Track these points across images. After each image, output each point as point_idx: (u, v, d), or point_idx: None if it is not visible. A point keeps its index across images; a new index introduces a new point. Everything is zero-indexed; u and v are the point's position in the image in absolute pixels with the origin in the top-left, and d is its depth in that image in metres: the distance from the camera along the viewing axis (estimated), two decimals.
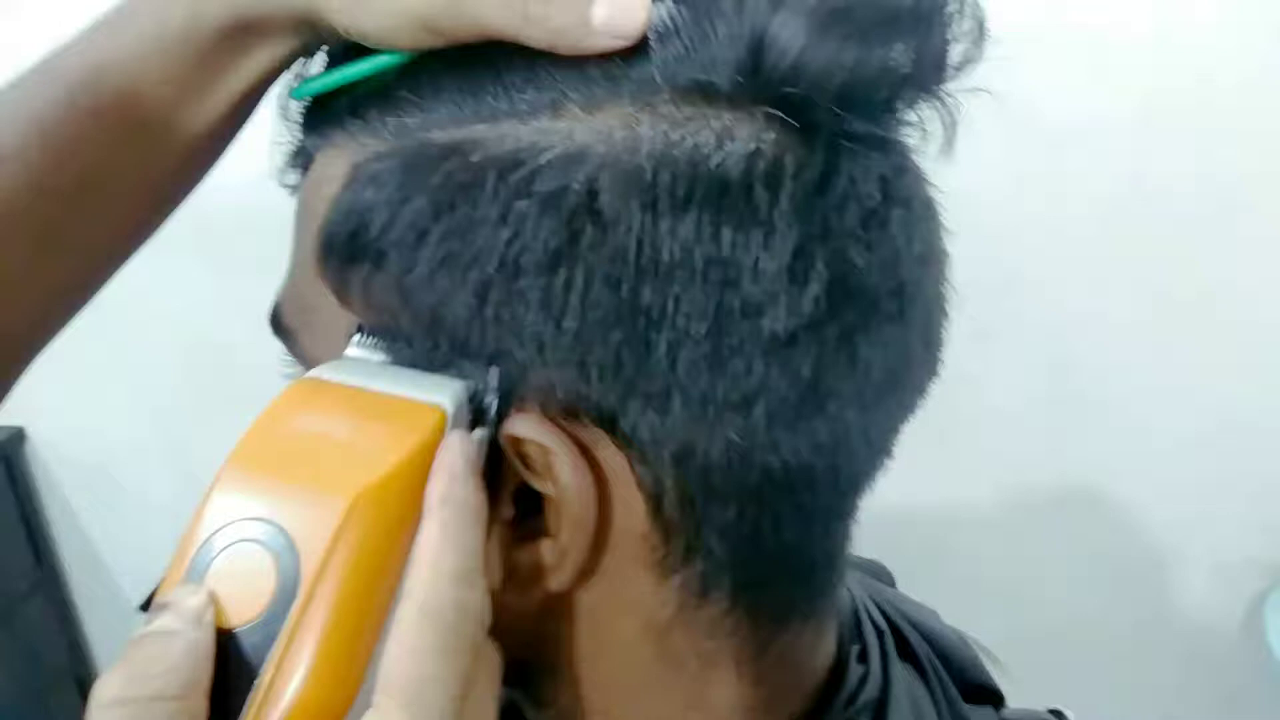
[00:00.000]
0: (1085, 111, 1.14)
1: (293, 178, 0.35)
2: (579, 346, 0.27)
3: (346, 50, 0.32)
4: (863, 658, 0.40)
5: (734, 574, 0.32)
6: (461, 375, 0.29)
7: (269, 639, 0.25)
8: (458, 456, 0.28)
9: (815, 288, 0.28)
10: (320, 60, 0.34)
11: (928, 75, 0.29)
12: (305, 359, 0.34)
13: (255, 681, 0.24)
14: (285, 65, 0.34)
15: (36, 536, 1.52)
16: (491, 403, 0.28)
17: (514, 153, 0.27)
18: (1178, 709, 1.42)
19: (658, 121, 0.27)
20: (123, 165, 0.35)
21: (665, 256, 0.27)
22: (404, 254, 0.28)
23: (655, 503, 0.30)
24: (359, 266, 0.29)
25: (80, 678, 1.60)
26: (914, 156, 0.32)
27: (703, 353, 0.27)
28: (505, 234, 0.27)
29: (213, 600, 0.25)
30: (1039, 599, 1.39)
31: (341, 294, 0.30)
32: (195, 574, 0.26)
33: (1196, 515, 1.32)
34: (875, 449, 0.33)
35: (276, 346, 0.36)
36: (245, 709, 0.24)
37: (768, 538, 0.31)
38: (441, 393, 0.28)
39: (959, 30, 0.29)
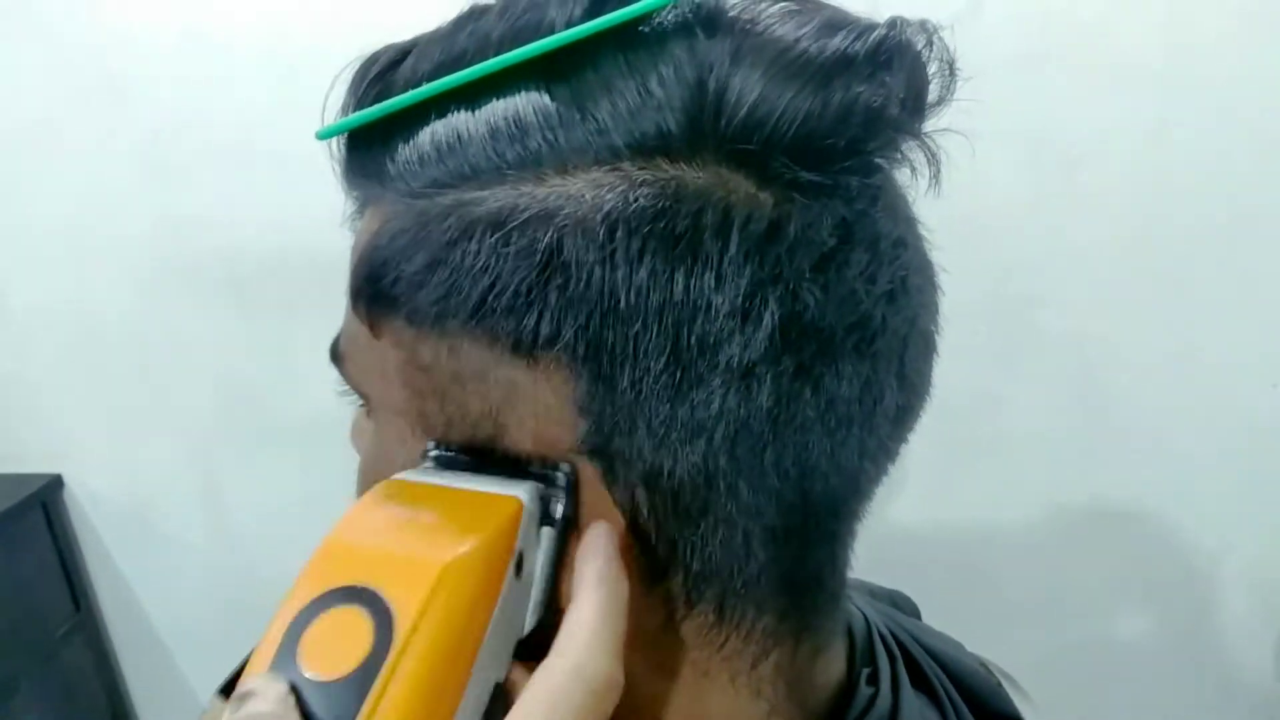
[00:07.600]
0: (1099, 132, 1.15)
1: (359, 223, 0.39)
2: (551, 380, 0.30)
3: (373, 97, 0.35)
4: (873, 680, 0.41)
5: (716, 587, 0.34)
6: (529, 477, 0.32)
7: (364, 690, 0.27)
8: (606, 541, 0.31)
9: (768, 325, 0.30)
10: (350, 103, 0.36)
11: (896, 118, 0.31)
12: (352, 384, 0.38)
13: None
14: None
15: (74, 580, 1.55)
16: (560, 505, 0.32)
17: (497, 213, 0.30)
18: None
19: (618, 182, 0.30)
20: None
21: (623, 301, 0.29)
22: (409, 299, 0.32)
23: (630, 517, 0.32)
24: (379, 308, 0.33)
25: (117, 719, 1.62)
26: (888, 195, 0.33)
27: (663, 384, 0.30)
28: (486, 281, 0.30)
29: (293, 691, 0.27)
30: (1070, 621, 1.38)
31: (373, 329, 0.34)
32: (289, 644, 0.28)
33: (1230, 534, 1.31)
34: (849, 477, 0.34)
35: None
36: None
37: (742, 556, 0.33)
38: (516, 489, 0.32)
39: (924, 73, 0.31)
